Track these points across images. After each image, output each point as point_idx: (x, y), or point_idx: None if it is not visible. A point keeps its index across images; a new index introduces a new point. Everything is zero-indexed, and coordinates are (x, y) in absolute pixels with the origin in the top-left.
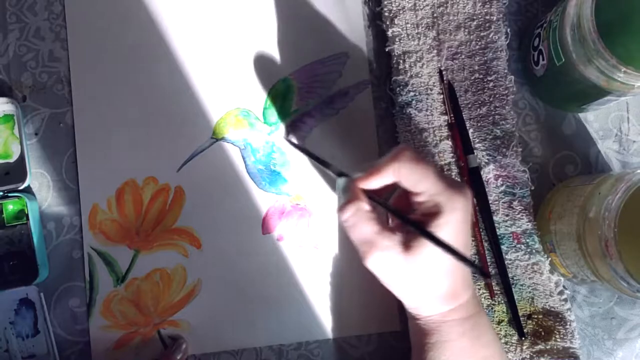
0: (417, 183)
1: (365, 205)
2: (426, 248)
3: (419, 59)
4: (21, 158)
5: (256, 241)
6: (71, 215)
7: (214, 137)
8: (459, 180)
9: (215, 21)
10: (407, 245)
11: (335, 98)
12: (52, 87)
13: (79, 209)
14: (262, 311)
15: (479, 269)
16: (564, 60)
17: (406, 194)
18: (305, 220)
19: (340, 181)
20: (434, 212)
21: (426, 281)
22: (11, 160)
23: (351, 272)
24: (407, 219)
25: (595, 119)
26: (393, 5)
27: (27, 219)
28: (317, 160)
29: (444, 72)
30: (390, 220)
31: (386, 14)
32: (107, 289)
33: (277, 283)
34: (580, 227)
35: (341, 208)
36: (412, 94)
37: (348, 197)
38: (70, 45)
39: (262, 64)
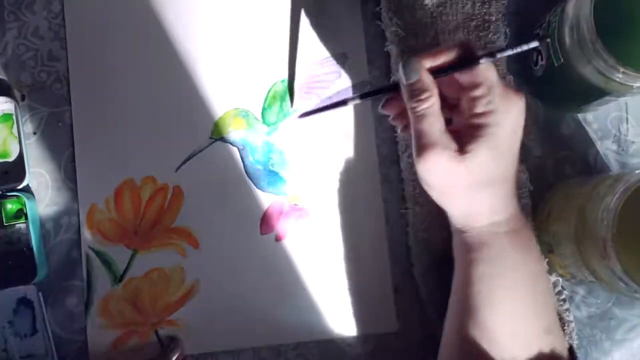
0: (478, 72)
1: (438, 101)
2: (481, 151)
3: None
4: (20, 157)
5: (254, 241)
6: (69, 214)
7: (213, 137)
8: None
9: (214, 21)
10: (464, 150)
11: (334, 98)
12: (51, 87)
13: (77, 209)
14: (260, 311)
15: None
16: (562, 60)
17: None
18: (304, 221)
19: (408, 61)
20: (488, 111)
21: (479, 185)
22: (10, 160)
23: (349, 273)
24: (474, 58)
25: (594, 119)
26: (392, 4)
27: (26, 218)
28: (343, 103)
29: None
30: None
31: (385, 13)
32: (105, 288)
33: (275, 283)
34: (578, 228)
35: (417, 94)
36: None
37: (425, 82)
38: (69, 44)
39: (261, 64)
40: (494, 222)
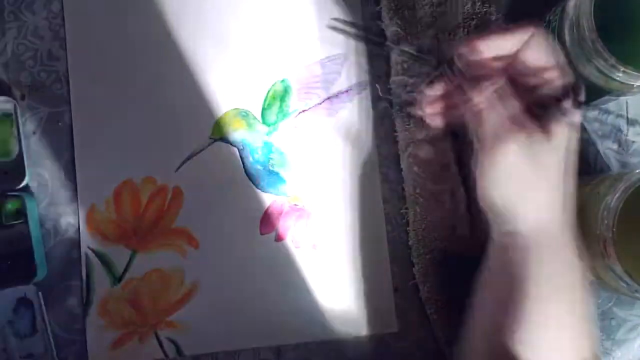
0: (550, 54)
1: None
2: (564, 130)
3: (417, 59)
4: (19, 157)
5: (254, 241)
6: (69, 214)
7: (213, 137)
8: None
9: (214, 22)
10: (545, 130)
11: (334, 99)
12: (51, 86)
13: (77, 209)
14: (260, 311)
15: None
16: None
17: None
18: (304, 221)
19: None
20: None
21: (561, 173)
22: (9, 160)
23: (349, 273)
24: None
25: (594, 119)
26: (392, 4)
27: (26, 218)
28: (380, 44)
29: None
30: None
31: (385, 13)
32: (104, 289)
33: (275, 283)
34: (578, 227)
35: (474, 86)
36: (411, 93)
37: (474, 70)
38: (69, 44)
39: (261, 64)
40: (555, 219)
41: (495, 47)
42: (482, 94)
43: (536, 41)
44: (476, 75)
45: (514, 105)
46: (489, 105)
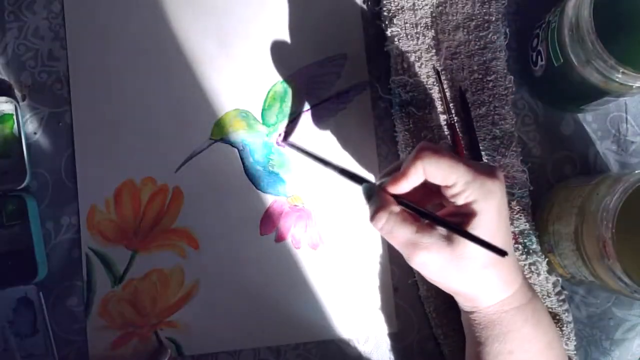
0: (447, 176)
1: (397, 209)
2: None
3: (417, 59)
4: (20, 157)
5: (254, 242)
6: (69, 214)
7: (213, 138)
8: (488, 163)
9: (215, 22)
10: (449, 237)
11: (334, 99)
12: (52, 87)
13: (77, 209)
14: (260, 312)
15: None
16: (562, 60)
17: (432, 191)
18: (304, 222)
19: (364, 188)
20: (468, 203)
21: (477, 270)
22: (10, 160)
23: (349, 273)
24: (437, 219)
25: (593, 119)
26: (392, 4)
27: (26, 218)
28: (325, 163)
29: (442, 72)
30: None
31: (385, 13)
32: (104, 289)
33: (275, 284)
34: (578, 228)
35: (373, 217)
36: (411, 93)
37: (377, 204)
38: (69, 44)
39: (261, 65)
40: (501, 300)
41: (399, 190)
42: (378, 224)
43: (429, 171)
44: (377, 207)
45: (404, 232)
46: (385, 232)
